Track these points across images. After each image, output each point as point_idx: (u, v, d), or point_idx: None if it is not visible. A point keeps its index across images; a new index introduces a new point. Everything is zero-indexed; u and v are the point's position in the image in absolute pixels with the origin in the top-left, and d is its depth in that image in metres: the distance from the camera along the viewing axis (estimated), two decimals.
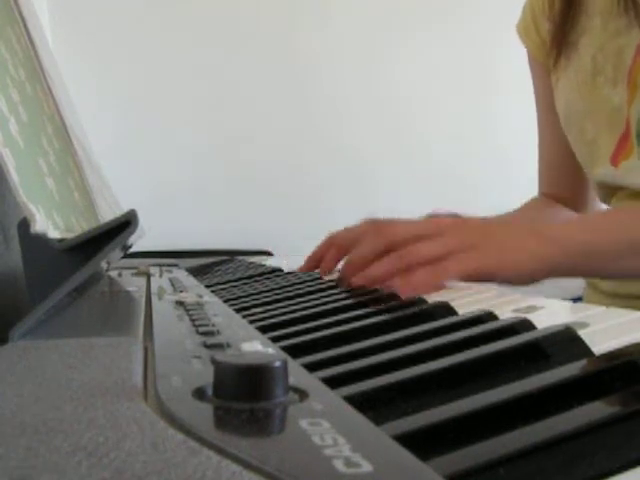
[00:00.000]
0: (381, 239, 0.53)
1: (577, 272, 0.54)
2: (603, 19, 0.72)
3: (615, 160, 0.71)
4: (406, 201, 1.49)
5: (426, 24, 1.53)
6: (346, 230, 0.69)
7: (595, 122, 0.73)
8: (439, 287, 0.47)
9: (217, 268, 0.98)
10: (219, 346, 0.27)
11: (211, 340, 0.28)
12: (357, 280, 0.52)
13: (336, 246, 0.68)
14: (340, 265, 0.72)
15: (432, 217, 0.75)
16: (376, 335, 0.33)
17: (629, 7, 0.69)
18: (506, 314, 0.35)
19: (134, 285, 0.57)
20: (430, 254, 0.48)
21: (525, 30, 0.85)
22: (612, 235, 0.54)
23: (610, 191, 0.75)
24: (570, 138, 0.79)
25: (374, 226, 0.55)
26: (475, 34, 1.50)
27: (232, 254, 1.23)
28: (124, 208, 0.76)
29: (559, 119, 0.80)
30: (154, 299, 0.45)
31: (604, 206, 0.80)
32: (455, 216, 0.74)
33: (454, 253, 0.48)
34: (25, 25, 0.68)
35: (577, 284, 0.86)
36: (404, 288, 0.46)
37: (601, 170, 0.74)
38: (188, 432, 0.16)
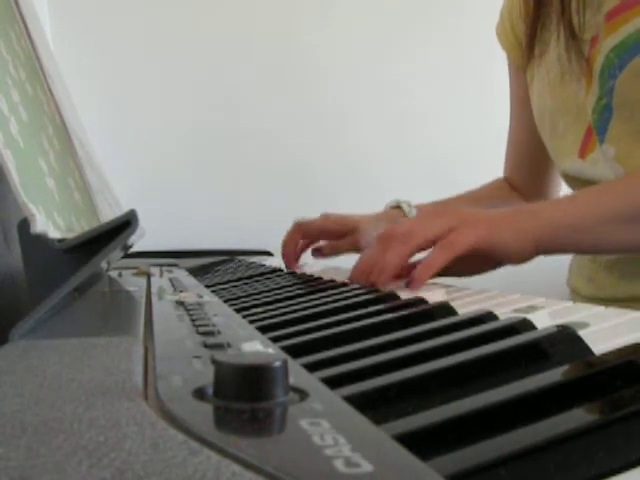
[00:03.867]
0: (385, 242, 0.55)
1: (564, 245, 0.59)
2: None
3: (582, 153, 0.74)
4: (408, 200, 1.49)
5: (428, 24, 1.53)
6: (307, 220, 0.82)
7: (565, 118, 0.75)
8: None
9: (217, 268, 0.98)
10: (219, 346, 0.27)
11: (211, 340, 0.28)
12: (372, 277, 0.53)
13: (296, 230, 0.79)
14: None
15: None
16: (376, 335, 0.33)
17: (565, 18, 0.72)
18: (506, 314, 0.35)
19: (134, 285, 0.57)
20: (432, 234, 0.53)
21: (503, 32, 0.89)
22: (592, 207, 0.58)
23: (579, 184, 0.77)
24: (543, 133, 0.81)
25: (378, 236, 0.59)
26: (477, 33, 1.50)
27: (232, 254, 1.23)
28: (124, 208, 0.76)
29: (530, 113, 0.83)
30: (154, 299, 0.45)
31: None
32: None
33: (453, 230, 0.52)
34: (25, 25, 0.68)
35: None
36: (423, 271, 0.51)
37: (569, 164, 0.76)
38: (188, 432, 0.16)
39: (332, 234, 0.82)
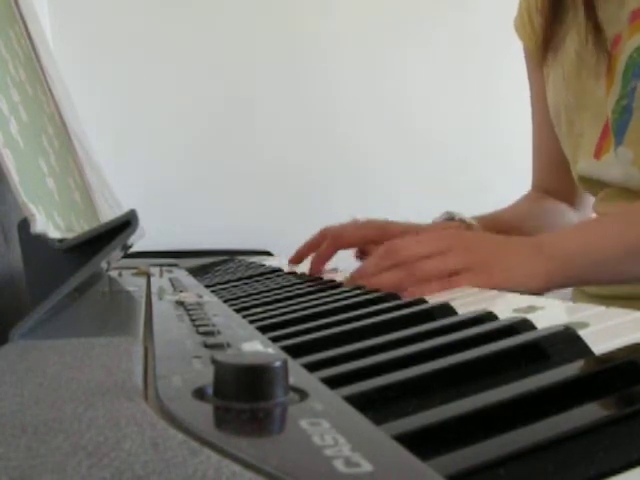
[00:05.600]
0: (390, 258, 0.53)
1: (579, 282, 0.56)
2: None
3: (598, 153, 0.72)
4: (408, 201, 1.49)
5: (429, 23, 1.53)
6: (341, 225, 0.73)
7: (582, 115, 0.74)
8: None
9: (217, 268, 0.98)
10: (219, 346, 0.27)
11: (211, 340, 0.28)
12: (365, 284, 0.52)
13: (330, 238, 0.71)
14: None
15: (439, 223, 0.78)
16: (376, 335, 0.33)
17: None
18: (506, 314, 0.35)
19: (134, 285, 0.57)
20: (438, 271, 0.50)
21: (521, 26, 0.87)
22: (608, 243, 0.55)
23: (592, 185, 0.75)
24: (559, 132, 0.80)
25: (384, 246, 0.56)
26: (479, 33, 1.50)
27: (232, 254, 1.23)
28: (124, 208, 0.76)
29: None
30: (154, 299, 0.45)
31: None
32: (462, 221, 0.77)
33: (461, 272, 0.50)
34: (25, 25, 0.68)
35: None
36: (415, 291, 0.48)
37: (584, 164, 0.75)
38: (188, 432, 0.16)
39: (369, 241, 0.75)
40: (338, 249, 0.74)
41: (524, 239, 0.57)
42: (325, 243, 0.74)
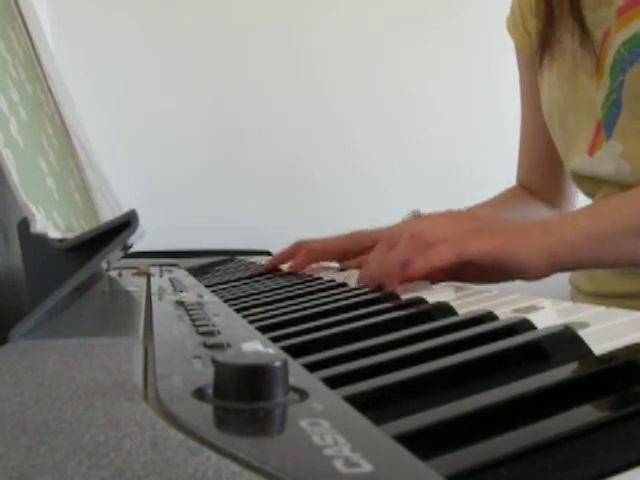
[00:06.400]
0: (389, 245, 0.53)
1: (583, 260, 0.55)
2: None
3: (592, 150, 0.73)
4: (408, 201, 1.49)
5: (429, 23, 1.53)
6: (314, 239, 0.76)
7: (576, 114, 0.75)
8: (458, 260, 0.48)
9: (217, 268, 0.98)
10: (219, 346, 0.27)
11: (211, 340, 0.28)
12: (379, 271, 0.52)
13: (304, 252, 0.72)
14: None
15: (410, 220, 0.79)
16: (376, 335, 0.33)
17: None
18: (506, 314, 0.35)
19: (134, 285, 0.57)
20: (444, 236, 0.50)
21: (514, 26, 0.87)
22: (615, 223, 0.55)
23: (586, 182, 0.76)
24: (553, 131, 0.81)
25: (380, 241, 0.56)
26: (479, 33, 1.50)
27: (232, 254, 1.23)
28: (124, 208, 0.76)
29: (541, 112, 0.82)
30: (154, 299, 0.45)
31: (586, 200, 0.81)
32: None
33: (467, 235, 0.49)
34: (25, 25, 0.68)
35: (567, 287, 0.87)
36: (424, 265, 0.47)
37: (578, 160, 0.75)
38: (188, 432, 0.16)
39: (343, 251, 0.76)
40: (311, 263, 0.76)
41: (523, 221, 0.57)
42: (298, 256, 0.75)
